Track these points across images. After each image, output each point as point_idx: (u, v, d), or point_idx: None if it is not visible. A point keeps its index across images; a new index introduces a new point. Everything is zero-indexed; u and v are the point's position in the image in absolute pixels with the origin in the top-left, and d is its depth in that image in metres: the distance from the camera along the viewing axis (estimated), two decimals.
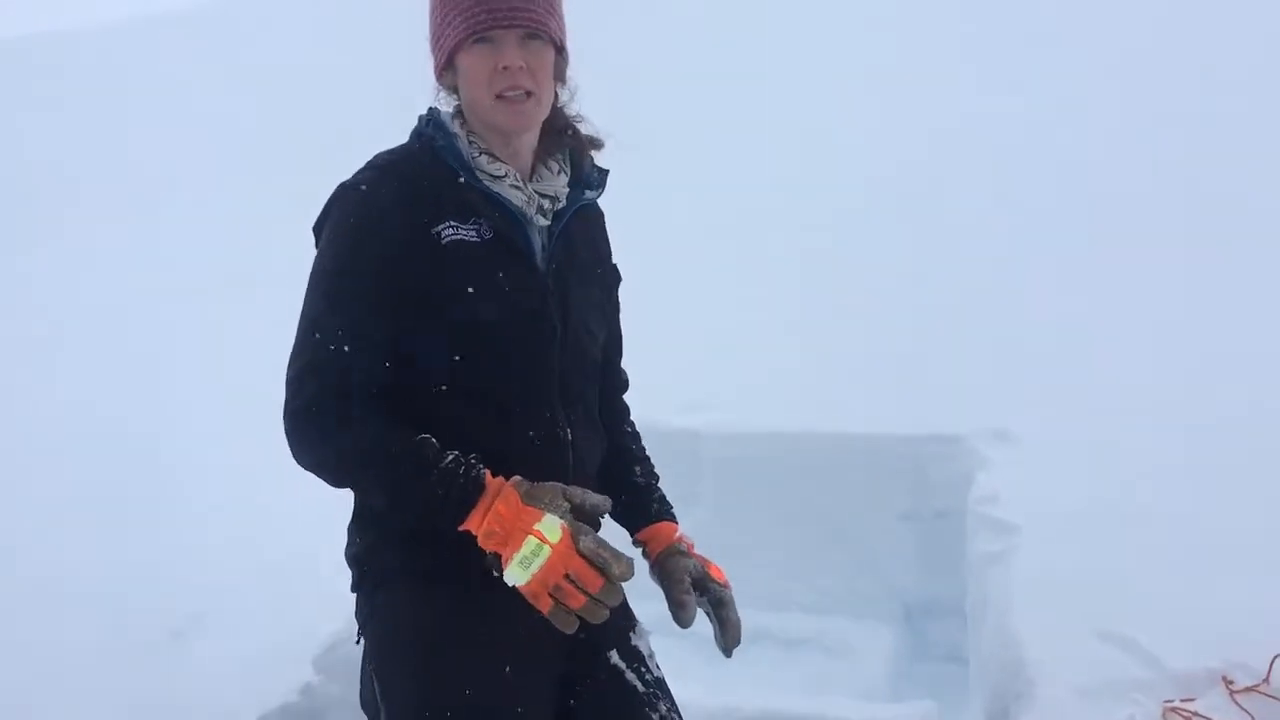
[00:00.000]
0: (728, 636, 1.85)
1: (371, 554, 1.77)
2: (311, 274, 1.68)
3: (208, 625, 2.79)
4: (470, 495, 1.55)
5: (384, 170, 1.70)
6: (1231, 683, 2.41)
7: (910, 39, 7.50)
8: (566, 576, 1.51)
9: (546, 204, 1.75)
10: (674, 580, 1.84)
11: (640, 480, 2.00)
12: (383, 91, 5.28)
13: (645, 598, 1.92)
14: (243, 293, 5.11)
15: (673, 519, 1.99)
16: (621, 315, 2.01)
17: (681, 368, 4.28)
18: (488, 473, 1.58)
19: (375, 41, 8.00)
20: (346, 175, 1.73)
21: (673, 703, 1.83)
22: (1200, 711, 2.33)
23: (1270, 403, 3.65)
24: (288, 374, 1.64)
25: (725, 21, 8.22)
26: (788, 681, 3.78)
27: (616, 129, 1.91)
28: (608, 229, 1.97)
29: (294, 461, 1.65)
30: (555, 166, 1.81)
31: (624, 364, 2.06)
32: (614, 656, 1.82)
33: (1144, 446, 3.51)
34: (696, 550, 1.94)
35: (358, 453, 1.60)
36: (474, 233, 1.67)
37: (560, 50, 1.78)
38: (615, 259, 1.97)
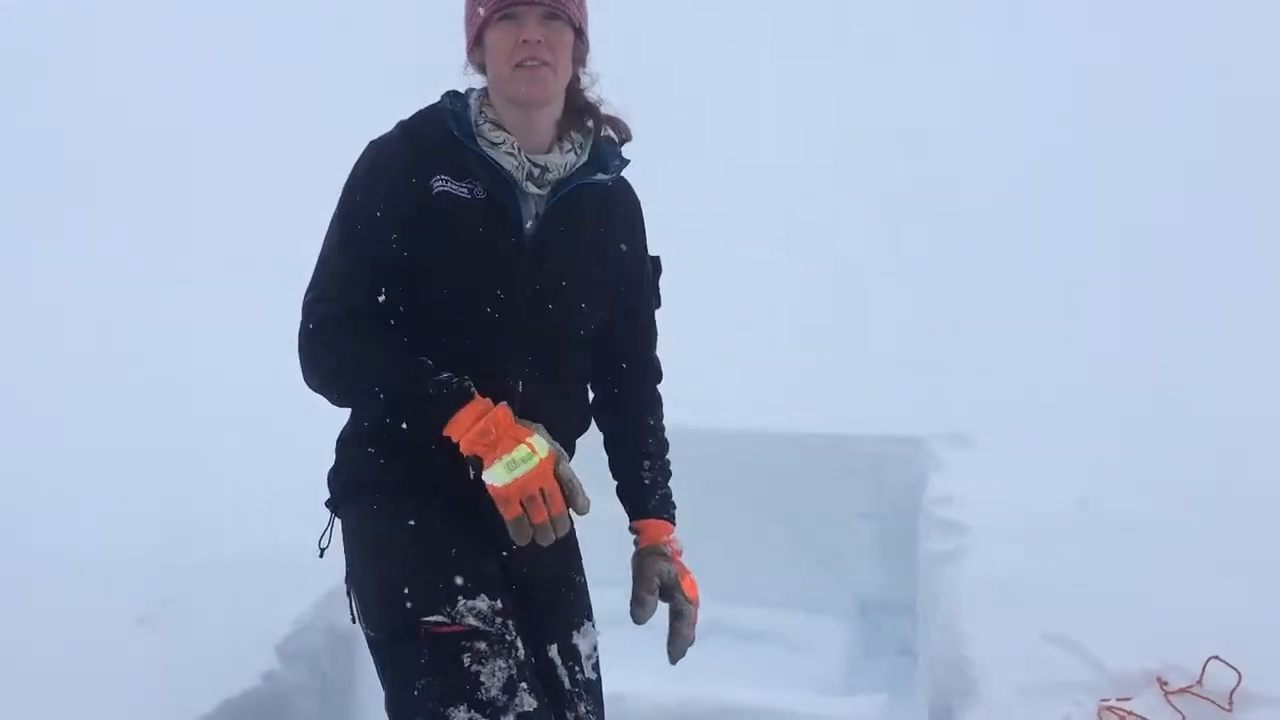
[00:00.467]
0: (674, 645, 1.99)
1: (349, 467, 1.94)
2: (333, 213, 1.88)
3: (173, 611, 2.81)
4: (461, 399, 1.70)
5: (401, 128, 1.89)
6: (1166, 684, 2.48)
7: (885, 47, 7.53)
8: (540, 491, 1.65)
9: (537, 172, 1.85)
10: (643, 577, 1.99)
11: (647, 475, 2.13)
12: (387, 72, 5.31)
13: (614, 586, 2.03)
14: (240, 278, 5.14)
15: (670, 520, 2.13)
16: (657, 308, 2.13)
17: None
18: (475, 391, 1.73)
19: (381, 20, 8.02)
20: (346, 160, 1.93)
21: (596, 704, 1.96)
22: (1135, 711, 2.41)
23: (1215, 411, 3.74)
24: (304, 300, 1.84)
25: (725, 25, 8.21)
26: (744, 674, 3.84)
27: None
28: (644, 220, 2.08)
29: (304, 384, 1.83)
30: (567, 145, 1.91)
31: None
32: (553, 650, 1.93)
33: (1092, 452, 3.62)
34: (681, 559, 2.03)
35: (358, 360, 1.78)
36: (465, 190, 1.82)
37: (580, 34, 1.91)
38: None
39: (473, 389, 1.73)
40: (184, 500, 3.39)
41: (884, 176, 5.84)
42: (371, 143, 1.89)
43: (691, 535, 4.11)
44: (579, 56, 1.93)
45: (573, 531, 1.94)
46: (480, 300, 1.82)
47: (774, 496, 4.17)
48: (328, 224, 1.88)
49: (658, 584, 1.96)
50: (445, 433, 1.69)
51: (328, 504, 1.98)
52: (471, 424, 1.68)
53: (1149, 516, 3.20)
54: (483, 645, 1.72)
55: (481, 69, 1.91)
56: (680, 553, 2.07)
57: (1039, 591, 2.90)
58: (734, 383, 4.38)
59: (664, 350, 4.47)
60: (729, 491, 4.19)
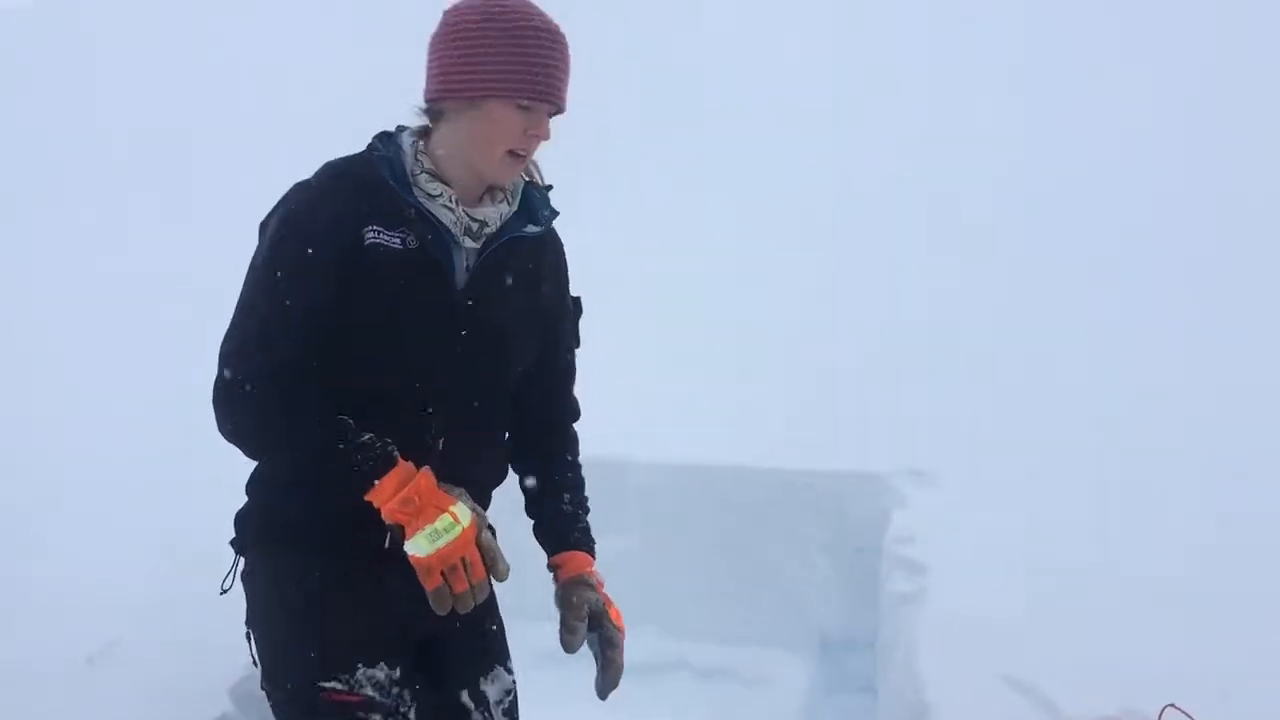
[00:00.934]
0: (607, 676, 1.95)
1: (258, 515, 1.87)
2: (251, 260, 1.79)
3: (124, 652, 2.77)
4: (384, 465, 1.66)
5: (329, 173, 1.81)
6: None
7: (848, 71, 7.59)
8: (462, 560, 1.64)
9: (475, 227, 1.83)
10: (572, 607, 1.94)
11: (567, 507, 2.09)
12: (386, 81, 5.26)
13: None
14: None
15: (591, 552, 2.07)
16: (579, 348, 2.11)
17: (611, 399, 4.31)
18: (399, 456, 1.69)
19: (379, 28, 7.97)
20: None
21: None
22: None
23: (1179, 457, 3.77)
24: (220, 350, 1.75)
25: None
26: (704, 710, 3.85)
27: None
28: (567, 262, 2.05)
29: (218, 433, 1.75)
30: (499, 196, 1.88)
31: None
32: (464, 696, 1.92)
33: (1056, 495, 3.63)
34: (605, 590, 2.02)
35: (279, 420, 1.72)
36: (398, 240, 1.76)
37: None
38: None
39: (396, 453, 1.69)
40: (135, 534, 3.34)
41: (849, 213, 5.89)
42: (297, 186, 1.82)
43: (652, 570, 4.17)
44: None
45: (491, 587, 1.90)
46: (409, 355, 1.79)
47: (735, 531, 4.16)
48: (247, 268, 1.79)
49: (587, 611, 1.93)
50: (368, 499, 1.66)
51: (233, 543, 1.92)
52: (394, 491, 1.65)
53: (1110, 562, 3.22)
54: (377, 718, 1.73)
55: (439, 115, 1.84)
56: (602, 584, 2.02)
57: (998, 633, 2.91)
58: (695, 416, 4.38)
59: (624, 386, 4.50)
60: (690, 526, 4.19)
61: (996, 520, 3.51)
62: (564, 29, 1.85)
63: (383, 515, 1.65)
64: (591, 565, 2.03)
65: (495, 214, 1.85)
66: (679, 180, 6.44)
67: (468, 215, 1.82)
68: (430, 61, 1.85)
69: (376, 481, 1.65)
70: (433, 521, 1.63)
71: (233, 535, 1.92)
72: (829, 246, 5.55)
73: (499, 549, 1.69)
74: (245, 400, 1.72)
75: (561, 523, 2.06)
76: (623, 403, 4.41)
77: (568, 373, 2.12)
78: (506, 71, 1.77)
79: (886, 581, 3.53)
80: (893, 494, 3.89)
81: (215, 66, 8.51)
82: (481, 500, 1.92)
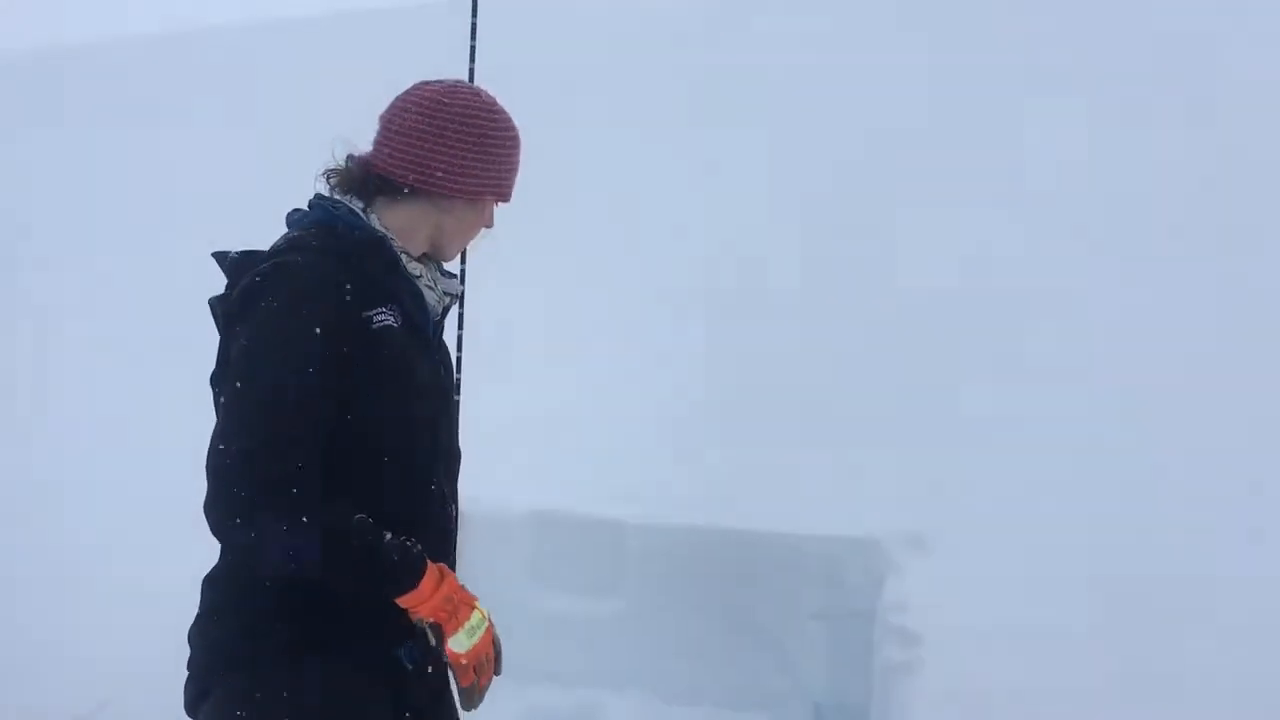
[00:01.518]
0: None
1: (263, 622, 1.78)
2: (248, 352, 1.68)
3: (114, 714, 2.75)
4: (419, 566, 1.69)
5: (319, 253, 1.77)
6: None
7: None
8: (485, 656, 1.73)
9: (449, 301, 1.98)
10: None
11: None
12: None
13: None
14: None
15: None
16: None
17: (607, 460, 4.33)
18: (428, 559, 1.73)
19: (382, 64, 8.00)
20: None
21: None
22: None
23: (1183, 529, 3.75)
24: (233, 452, 1.61)
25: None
26: None
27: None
28: None
29: (217, 530, 1.64)
30: (432, 265, 1.98)
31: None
32: None
33: (1053, 564, 3.61)
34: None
35: (310, 534, 1.62)
36: (394, 319, 1.80)
37: None
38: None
39: (424, 553, 1.72)
40: (128, 591, 3.33)
41: (851, 265, 5.90)
42: (295, 265, 1.74)
43: (644, 632, 4.15)
44: None
45: None
46: (425, 432, 1.86)
47: (728, 594, 4.14)
48: (248, 354, 1.68)
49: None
50: (404, 601, 1.67)
51: (213, 667, 1.81)
52: (433, 591, 1.67)
53: (1110, 636, 3.21)
54: None
55: (399, 192, 1.87)
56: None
57: (994, 705, 2.91)
58: (689, 479, 4.37)
59: (618, 447, 4.50)
60: (682, 588, 4.17)
61: (993, 589, 3.50)
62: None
63: (422, 614, 1.68)
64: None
65: (455, 285, 2.01)
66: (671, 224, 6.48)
67: (444, 292, 1.96)
68: (427, 147, 1.85)
69: (416, 584, 1.67)
70: (469, 619, 1.70)
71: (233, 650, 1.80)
72: (828, 314, 5.56)
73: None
74: (275, 511, 1.60)
75: None
76: (618, 465, 4.43)
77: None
78: (504, 173, 1.93)
79: (879, 650, 3.51)
80: (887, 560, 3.87)
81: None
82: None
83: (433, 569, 1.70)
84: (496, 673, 1.77)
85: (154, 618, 3.16)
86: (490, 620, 1.74)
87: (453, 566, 1.90)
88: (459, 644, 1.66)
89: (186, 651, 2.94)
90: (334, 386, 1.70)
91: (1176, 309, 5.12)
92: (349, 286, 1.74)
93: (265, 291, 1.71)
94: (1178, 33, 6.69)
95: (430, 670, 1.92)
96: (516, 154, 1.95)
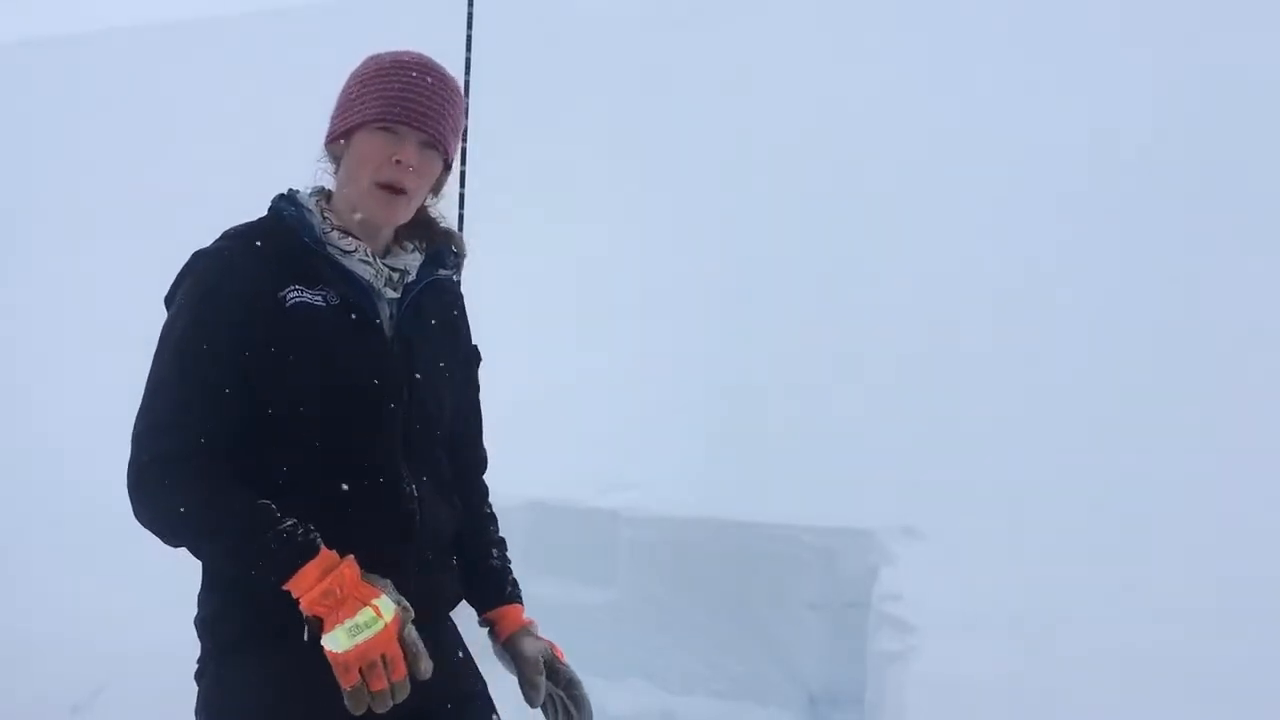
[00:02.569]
0: (583, 715, 1.93)
1: (217, 619, 1.76)
2: (161, 335, 1.73)
3: (108, 700, 2.75)
4: (305, 553, 1.58)
5: (234, 238, 1.77)
6: None
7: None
8: (381, 657, 1.55)
9: (395, 276, 1.84)
10: (527, 661, 1.90)
11: (496, 563, 2.05)
12: None
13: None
14: None
15: (521, 602, 2.04)
16: (481, 396, 2.09)
17: (603, 449, 4.34)
18: (322, 544, 1.62)
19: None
20: None
21: None
22: None
23: (1176, 520, 3.76)
24: (133, 431, 1.66)
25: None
26: None
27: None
28: (468, 312, 2.06)
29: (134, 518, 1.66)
30: (410, 245, 1.90)
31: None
32: None
33: (1047, 553, 3.63)
34: (541, 632, 1.99)
35: (194, 510, 1.61)
36: (320, 298, 1.74)
37: (447, 167, 1.91)
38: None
39: (318, 541, 1.61)
40: (124, 579, 3.33)
41: (850, 258, 5.91)
42: (200, 254, 1.75)
43: (640, 622, 4.16)
44: (437, 186, 1.94)
45: (463, 644, 1.95)
46: (361, 409, 1.76)
47: (723, 585, 4.16)
48: (157, 341, 1.71)
49: (543, 663, 1.89)
50: (287, 587, 1.58)
51: (200, 659, 1.79)
52: (315, 581, 1.56)
53: (1102, 623, 3.22)
54: None
55: (336, 162, 1.87)
56: (538, 627, 2.00)
57: (987, 693, 2.91)
58: (683, 469, 4.39)
59: (615, 438, 4.51)
60: (678, 579, 4.18)
61: (986, 578, 3.51)
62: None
63: (301, 606, 1.57)
64: (524, 614, 2.01)
65: (413, 261, 1.88)
66: (671, 223, 6.48)
67: (386, 266, 1.83)
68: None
69: (297, 569, 1.57)
70: (353, 616, 1.54)
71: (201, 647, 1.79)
72: (820, 300, 5.57)
73: (422, 646, 1.60)
74: (161, 486, 1.62)
75: (494, 578, 2.03)
76: (614, 455, 4.44)
77: (478, 422, 2.10)
78: (370, 95, 1.81)
79: (874, 639, 3.52)
80: (881, 550, 3.88)
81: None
82: (447, 547, 1.92)
83: (322, 559, 1.58)
84: (418, 676, 1.58)
85: (150, 605, 3.18)
86: (402, 620, 1.59)
87: (417, 550, 1.80)
88: (334, 641, 1.52)
89: (182, 638, 2.97)
90: (236, 371, 1.68)
91: (1171, 308, 5.14)
92: (258, 268, 1.72)
93: (176, 286, 1.74)
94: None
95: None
96: (382, 79, 1.81)
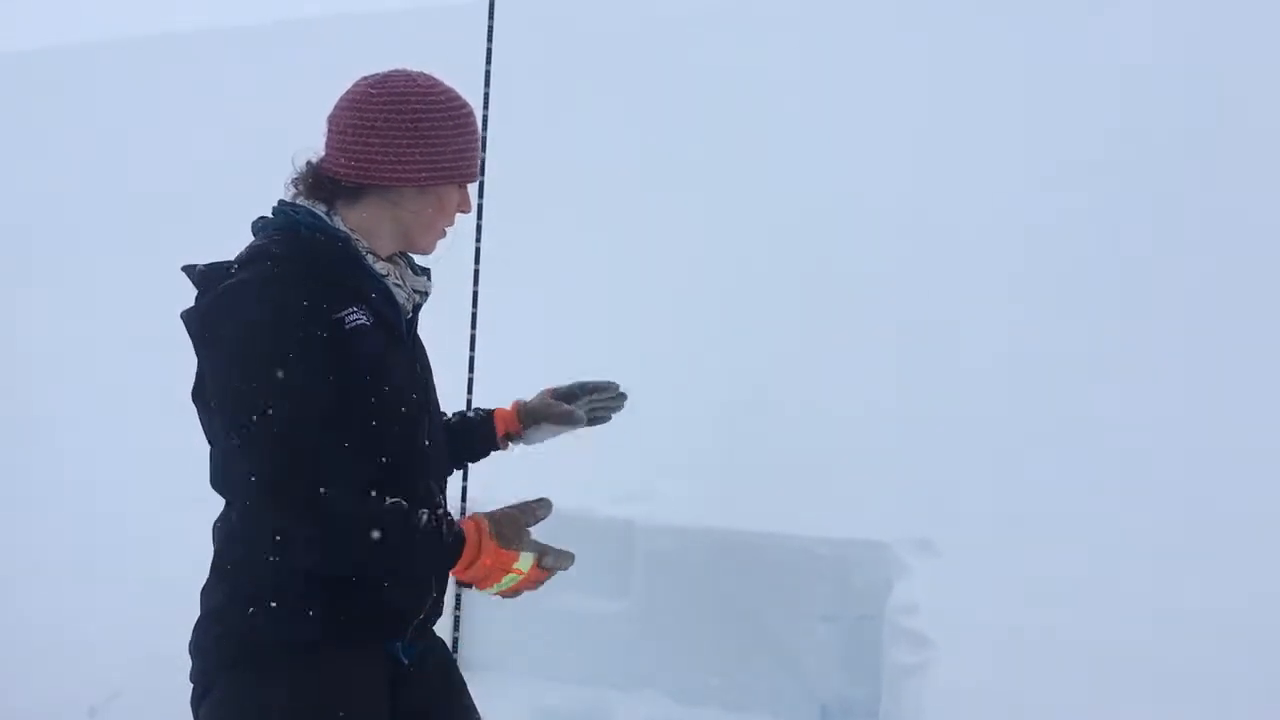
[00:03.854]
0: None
1: (248, 631, 1.82)
2: (245, 375, 1.67)
3: (125, 703, 2.77)
4: (462, 539, 1.75)
5: (299, 261, 1.79)
6: None
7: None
8: (535, 584, 1.83)
9: (419, 299, 1.99)
10: (548, 405, 2.35)
11: (456, 421, 2.33)
12: None
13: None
14: None
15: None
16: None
17: (618, 460, 4.34)
18: (460, 520, 1.79)
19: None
20: None
21: None
22: None
23: (1192, 531, 3.75)
24: (294, 494, 1.65)
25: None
26: None
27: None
28: None
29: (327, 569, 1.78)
30: (401, 262, 1.99)
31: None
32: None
33: (1061, 567, 3.61)
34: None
35: (386, 543, 1.68)
36: (366, 318, 1.81)
37: None
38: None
39: (457, 524, 1.77)
40: (145, 583, 3.34)
41: (864, 268, 5.91)
42: (267, 283, 1.74)
43: (654, 633, 4.16)
44: None
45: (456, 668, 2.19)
46: (414, 426, 1.89)
47: (737, 596, 4.15)
48: (250, 385, 1.67)
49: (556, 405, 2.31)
50: (456, 573, 1.77)
51: (224, 664, 1.85)
52: (467, 568, 1.75)
53: (1117, 638, 3.21)
54: None
55: (360, 192, 1.87)
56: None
57: (1002, 707, 2.91)
58: (699, 480, 4.39)
59: (629, 448, 4.51)
60: (692, 590, 4.18)
61: (1002, 592, 3.50)
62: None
63: (464, 579, 1.77)
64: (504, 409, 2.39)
65: (422, 283, 2.01)
66: (681, 228, 6.49)
67: (413, 290, 1.97)
68: (362, 140, 1.84)
69: (462, 555, 1.75)
70: (499, 582, 1.78)
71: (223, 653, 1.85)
72: (832, 311, 5.56)
73: (562, 557, 1.85)
74: (321, 522, 1.65)
75: (469, 425, 2.34)
76: (629, 466, 4.44)
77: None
78: (457, 157, 1.88)
79: (889, 652, 3.51)
80: (896, 563, 3.87)
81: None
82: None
83: (471, 540, 1.75)
84: (564, 568, 1.86)
85: (166, 608, 3.18)
86: (534, 568, 1.81)
87: None
88: (489, 593, 1.81)
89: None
90: (331, 393, 1.73)
91: (1178, 311, 5.12)
92: (317, 290, 1.75)
93: (237, 308, 1.71)
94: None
95: (431, 667, 1.96)
96: (464, 133, 1.87)
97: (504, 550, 1.76)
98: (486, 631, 4.37)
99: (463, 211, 1.94)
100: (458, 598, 4.35)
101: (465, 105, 1.90)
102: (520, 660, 4.28)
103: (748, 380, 5.04)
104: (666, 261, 6.12)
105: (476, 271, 4.38)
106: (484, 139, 4.38)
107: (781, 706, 4.09)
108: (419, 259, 2.08)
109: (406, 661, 1.94)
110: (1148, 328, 5.08)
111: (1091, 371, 4.84)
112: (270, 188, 1.97)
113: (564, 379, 2.43)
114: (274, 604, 1.80)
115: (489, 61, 4.37)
